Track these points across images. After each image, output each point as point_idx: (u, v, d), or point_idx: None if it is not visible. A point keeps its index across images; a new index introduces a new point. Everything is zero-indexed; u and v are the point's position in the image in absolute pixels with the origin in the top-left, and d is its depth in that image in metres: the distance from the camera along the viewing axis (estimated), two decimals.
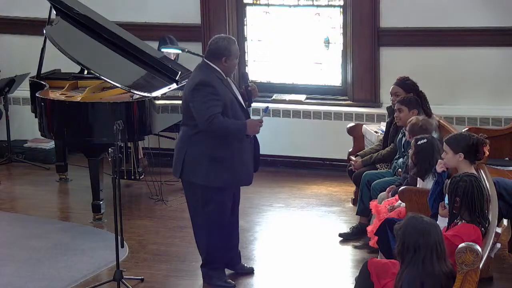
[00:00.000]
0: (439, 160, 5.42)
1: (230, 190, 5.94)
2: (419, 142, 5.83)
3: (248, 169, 5.90)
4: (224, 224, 5.95)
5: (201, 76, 5.74)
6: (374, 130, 7.57)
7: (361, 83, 8.74)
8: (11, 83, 9.07)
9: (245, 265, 6.30)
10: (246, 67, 9.19)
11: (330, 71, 9.04)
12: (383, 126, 7.46)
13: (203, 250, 6.02)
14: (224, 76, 5.80)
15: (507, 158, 7.16)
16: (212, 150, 5.73)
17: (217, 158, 5.74)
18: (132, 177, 8.52)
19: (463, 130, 6.20)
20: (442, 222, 5.05)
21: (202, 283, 6.04)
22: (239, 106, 5.83)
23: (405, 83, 7.08)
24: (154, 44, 8.54)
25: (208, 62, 5.80)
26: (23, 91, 9.14)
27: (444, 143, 5.49)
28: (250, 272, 6.25)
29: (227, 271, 6.13)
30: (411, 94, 6.87)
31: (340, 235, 6.90)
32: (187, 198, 6.01)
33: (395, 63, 8.55)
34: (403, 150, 6.65)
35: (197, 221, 5.99)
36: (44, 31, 7.81)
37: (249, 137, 5.83)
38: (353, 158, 7.32)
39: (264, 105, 8.69)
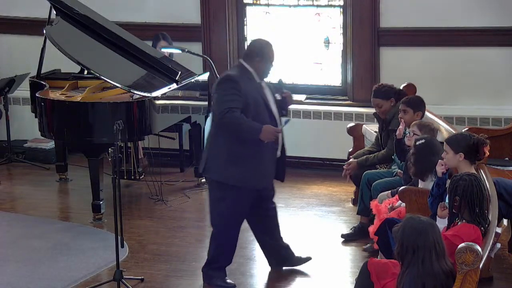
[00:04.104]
0: (439, 161, 5.41)
1: (247, 191, 5.84)
2: (417, 143, 5.82)
3: (266, 171, 5.86)
4: (235, 225, 5.94)
5: (228, 72, 5.85)
6: (374, 130, 7.56)
7: (361, 83, 8.74)
8: (11, 83, 9.07)
9: (302, 256, 6.34)
10: None
11: (330, 71, 9.05)
12: None
13: (210, 248, 5.99)
14: (257, 79, 5.82)
15: (507, 158, 7.16)
16: (231, 146, 5.72)
17: (235, 155, 5.72)
18: (132, 177, 8.51)
19: (463, 130, 6.20)
20: (441, 223, 5.05)
21: (203, 283, 6.04)
22: (267, 111, 5.80)
23: (381, 91, 7.04)
24: None
25: (243, 62, 5.86)
26: (23, 91, 9.14)
27: (444, 143, 5.49)
28: (309, 259, 6.33)
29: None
30: (415, 95, 6.86)
31: (342, 236, 6.89)
32: (209, 195, 6.04)
33: (395, 63, 8.56)
34: None
35: (212, 219, 5.97)
36: (44, 31, 7.81)
37: (264, 142, 5.71)
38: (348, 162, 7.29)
39: None
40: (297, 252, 6.35)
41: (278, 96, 6.01)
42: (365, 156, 7.10)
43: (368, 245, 6.57)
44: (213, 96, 5.78)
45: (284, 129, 5.96)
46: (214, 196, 5.91)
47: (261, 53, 5.81)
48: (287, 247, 6.31)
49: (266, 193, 6.08)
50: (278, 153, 5.95)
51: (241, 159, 5.73)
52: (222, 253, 5.96)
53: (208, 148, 5.88)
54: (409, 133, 6.30)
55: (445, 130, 6.84)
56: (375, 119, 7.28)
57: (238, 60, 5.97)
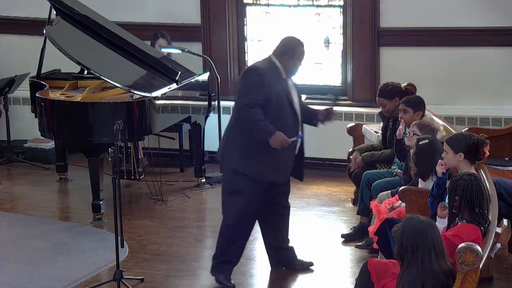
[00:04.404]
0: (439, 161, 5.40)
1: (263, 184, 5.85)
2: (420, 143, 5.81)
3: (282, 165, 5.87)
4: (250, 220, 5.96)
5: (256, 64, 5.90)
6: (374, 130, 7.57)
7: (361, 83, 8.74)
8: (11, 83, 9.07)
9: (304, 260, 6.32)
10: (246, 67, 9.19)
11: (330, 71, 9.05)
12: None
13: (218, 241, 6.00)
14: (284, 76, 5.85)
15: (507, 158, 7.16)
16: (249, 138, 5.73)
17: (253, 147, 5.73)
18: (132, 177, 8.51)
19: (463, 130, 6.20)
20: (441, 223, 5.05)
21: (210, 270, 6.04)
22: (290, 109, 5.83)
23: (385, 91, 7.02)
24: None
25: (272, 58, 5.88)
26: (23, 91, 9.14)
27: (444, 143, 5.49)
28: (310, 265, 6.29)
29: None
30: (416, 95, 6.85)
31: (342, 236, 6.89)
32: (222, 185, 6.06)
33: (395, 63, 8.56)
34: None
35: (225, 211, 5.97)
36: (44, 31, 7.81)
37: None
38: (353, 157, 7.29)
39: None
40: (299, 253, 6.35)
41: (325, 106, 6.15)
42: (371, 152, 7.09)
43: (362, 243, 6.60)
44: (238, 85, 5.87)
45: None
46: (229, 188, 5.90)
47: (292, 51, 5.84)
48: (290, 249, 6.31)
49: (280, 188, 6.10)
50: (296, 150, 5.96)
51: (259, 152, 5.74)
52: (233, 246, 5.95)
53: (226, 137, 5.91)
54: (409, 133, 6.29)
55: (445, 130, 6.84)
56: (381, 118, 7.26)
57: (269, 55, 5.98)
